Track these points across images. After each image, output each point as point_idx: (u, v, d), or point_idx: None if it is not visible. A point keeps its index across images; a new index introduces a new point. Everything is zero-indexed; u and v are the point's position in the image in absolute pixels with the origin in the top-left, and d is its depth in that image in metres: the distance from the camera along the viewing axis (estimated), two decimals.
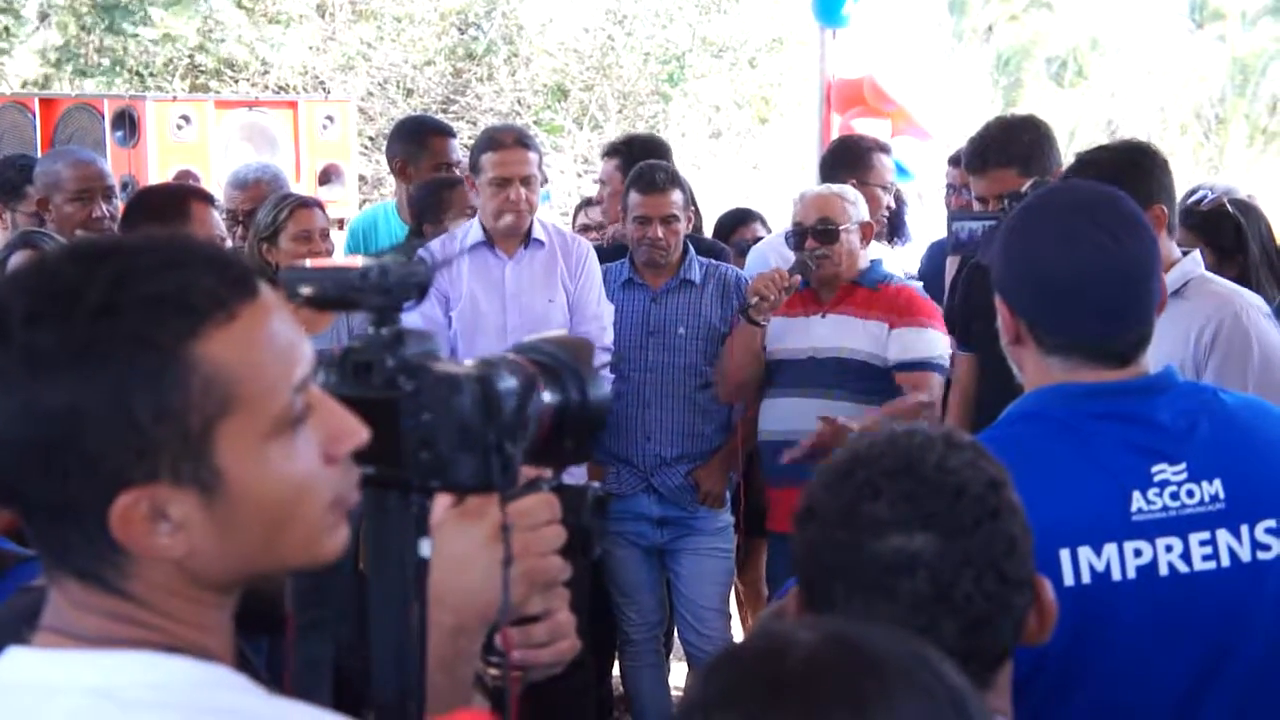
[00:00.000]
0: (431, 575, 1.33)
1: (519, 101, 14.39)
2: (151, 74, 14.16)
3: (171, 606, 1.19)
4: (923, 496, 1.51)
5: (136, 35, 13.94)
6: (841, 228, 4.41)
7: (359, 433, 1.22)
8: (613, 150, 5.55)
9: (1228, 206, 4.08)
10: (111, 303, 1.12)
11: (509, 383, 1.28)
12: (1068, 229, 2.08)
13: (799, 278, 4.34)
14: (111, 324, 1.12)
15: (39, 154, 6.35)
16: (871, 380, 4.37)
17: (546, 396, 1.35)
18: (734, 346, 4.48)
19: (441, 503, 1.36)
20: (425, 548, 1.29)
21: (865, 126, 6.57)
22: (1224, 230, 4.04)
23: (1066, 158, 5.16)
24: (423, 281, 1.27)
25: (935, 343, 4.37)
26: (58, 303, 1.12)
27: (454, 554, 1.35)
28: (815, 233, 4.40)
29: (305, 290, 1.24)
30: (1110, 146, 3.39)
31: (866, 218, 4.53)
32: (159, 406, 1.12)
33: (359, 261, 1.26)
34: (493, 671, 1.44)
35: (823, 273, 4.42)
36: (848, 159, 5.18)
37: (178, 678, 1.16)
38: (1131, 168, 3.17)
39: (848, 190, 4.59)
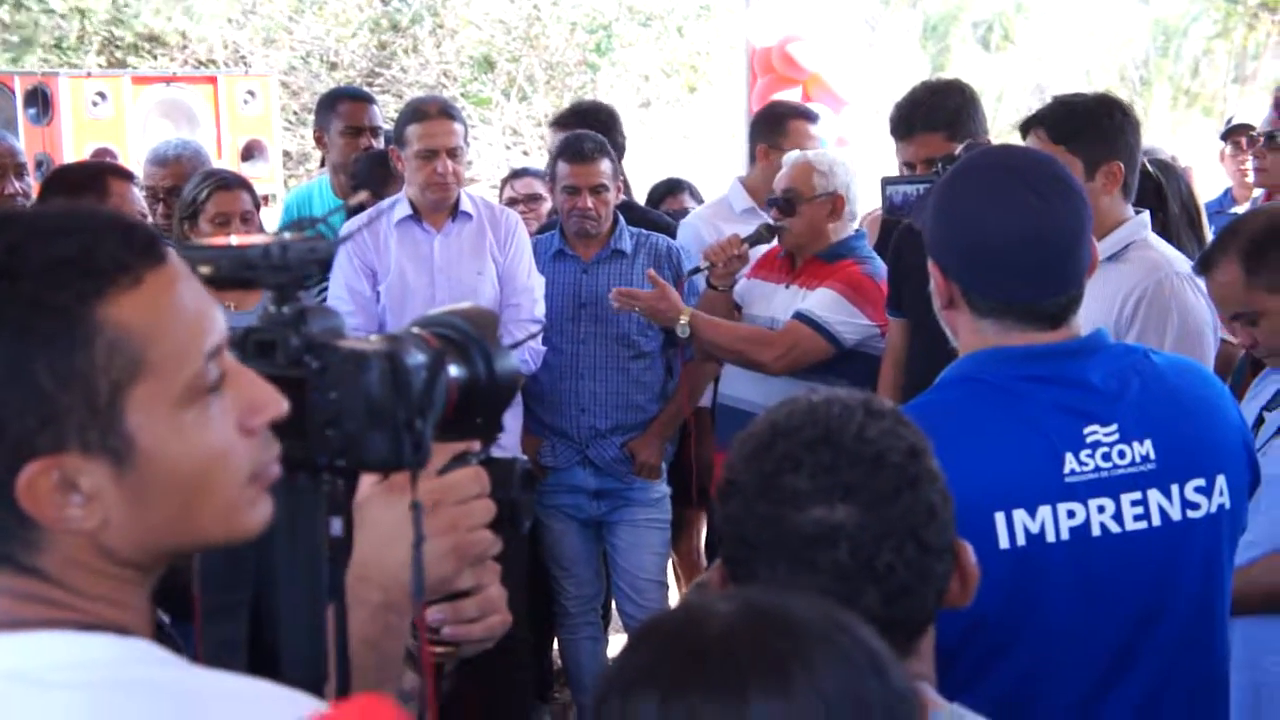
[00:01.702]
0: (357, 551, 1.33)
1: (445, 74, 14.31)
2: (66, 49, 13.94)
3: (86, 584, 1.16)
4: (842, 467, 1.51)
5: (47, 10, 13.72)
6: (804, 199, 4.33)
7: (277, 403, 1.21)
8: (560, 121, 5.49)
9: (1148, 166, 4.11)
10: (8, 268, 1.10)
11: (417, 358, 1.27)
12: (999, 192, 2.09)
13: (746, 247, 4.36)
14: (8, 289, 1.09)
15: None
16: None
17: (453, 371, 1.33)
18: (700, 309, 4.47)
19: (367, 479, 1.35)
20: (337, 526, 1.28)
21: (778, 94, 6.59)
22: (1145, 190, 4.06)
23: (993, 121, 5.20)
24: (324, 258, 1.26)
25: (829, 304, 4.24)
26: None
27: (381, 529, 1.34)
28: (777, 202, 4.38)
29: (203, 269, 1.21)
30: (1088, 95, 3.39)
31: (839, 189, 4.37)
32: (62, 371, 1.10)
33: (258, 239, 1.25)
34: (438, 649, 1.44)
35: (783, 243, 4.41)
36: (765, 124, 5.19)
37: (97, 655, 1.13)
38: (1104, 118, 3.21)
39: (824, 158, 4.46)
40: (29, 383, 1.09)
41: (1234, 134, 5.59)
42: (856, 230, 4.53)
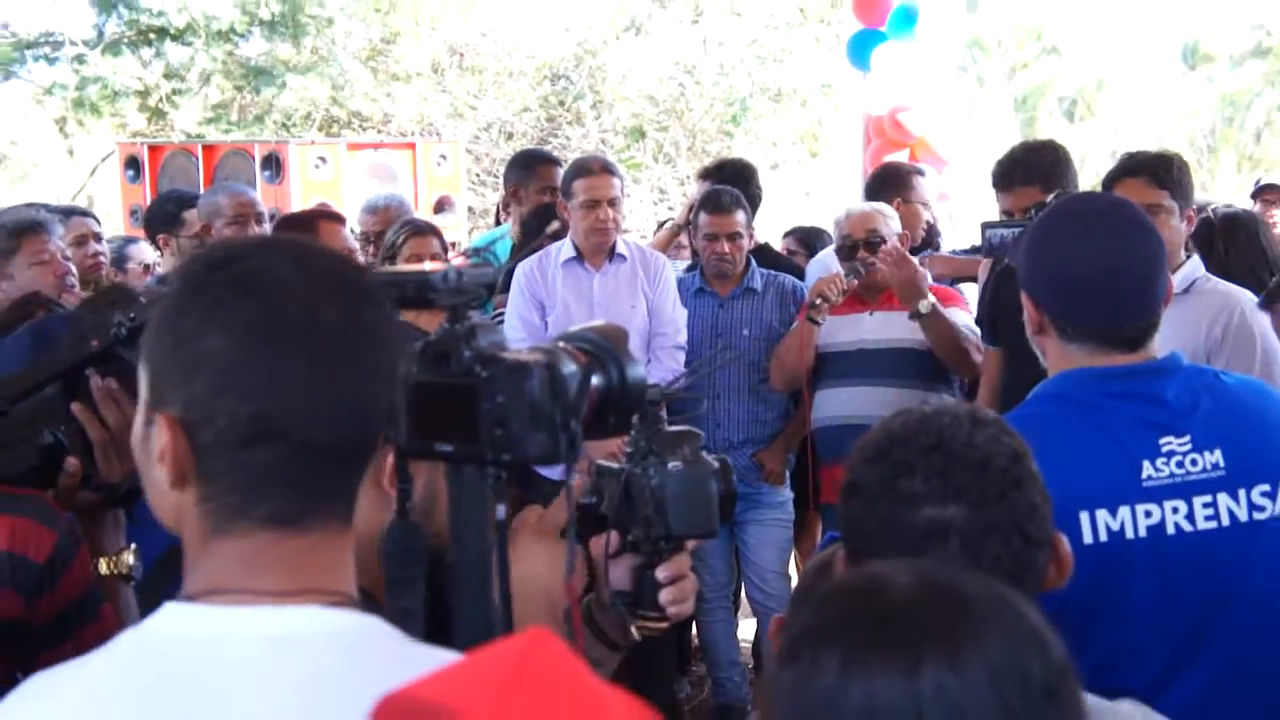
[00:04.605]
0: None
1: (603, 141, 14.43)
2: (293, 125, 14.37)
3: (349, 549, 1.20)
4: (953, 471, 1.46)
5: (278, 93, 14.18)
6: (886, 238, 4.42)
7: None
8: (705, 173, 5.49)
9: (1211, 217, 4.03)
10: (372, 291, 1.19)
11: (570, 367, 1.26)
12: (1085, 231, 2.06)
13: (855, 280, 4.35)
14: (382, 307, 1.19)
15: (201, 191, 6.44)
16: (916, 364, 4.36)
17: (594, 380, 1.32)
18: (793, 345, 4.46)
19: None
20: (501, 512, 1.27)
21: (889, 156, 6.56)
22: (1205, 236, 3.98)
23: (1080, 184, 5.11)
24: (491, 282, 1.26)
25: (965, 319, 4.34)
26: (349, 288, 1.16)
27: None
28: (866, 245, 4.40)
29: (392, 291, 1.24)
30: (1168, 152, 3.34)
31: (900, 229, 4.54)
32: (404, 369, 1.20)
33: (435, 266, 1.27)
34: (661, 625, 1.48)
35: (872, 279, 4.40)
36: (891, 181, 5.16)
37: (345, 625, 1.14)
38: (1187, 173, 3.17)
39: (885, 206, 4.62)
40: (399, 384, 1.18)
41: (1263, 193, 5.50)
42: None
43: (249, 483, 1.12)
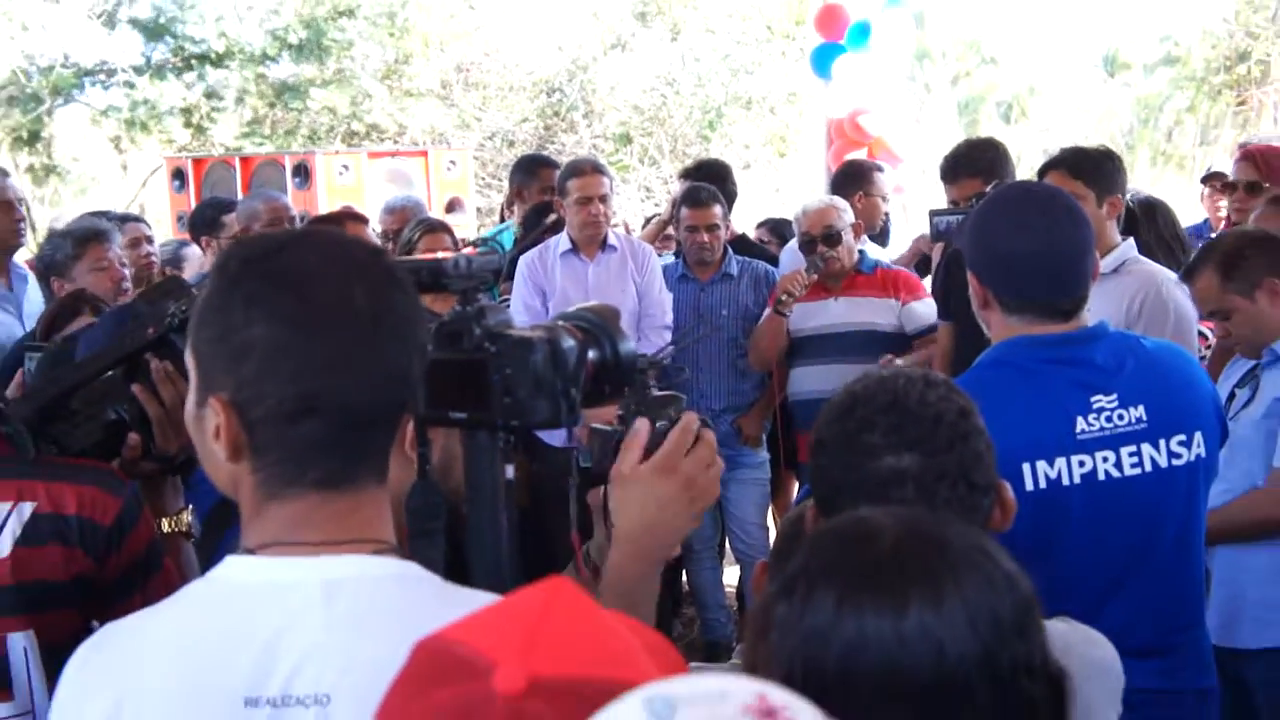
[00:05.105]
0: (642, 517, 1.36)
1: (594, 147, 14.37)
2: (318, 138, 14.31)
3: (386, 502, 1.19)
4: (908, 425, 1.47)
5: (304, 109, 14.12)
6: (842, 231, 4.40)
7: None
8: (686, 173, 5.46)
9: (1130, 204, 4.02)
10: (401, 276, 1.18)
11: (569, 343, 1.26)
12: (1021, 216, 2.06)
13: (815, 275, 4.35)
14: (411, 294, 1.17)
15: (239, 198, 6.41)
16: (878, 344, 4.37)
17: (590, 354, 1.32)
18: (765, 332, 4.48)
19: (629, 459, 1.36)
20: (509, 472, 1.27)
21: (850, 155, 6.54)
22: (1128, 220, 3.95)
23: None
24: (497, 268, 1.27)
25: (933, 308, 4.34)
26: (372, 272, 1.14)
27: (661, 500, 1.38)
28: (824, 239, 4.39)
29: (409, 278, 1.22)
30: (1094, 146, 3.32)
31: (853, 219, 4.54)
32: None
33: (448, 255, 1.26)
34: None
35: (832, 269, 4.40)
36: (855, 176, 5.14)
37: (390, 572, 1.13)
38: (1108, 162, 3.15)
39: (838, 200, 4.62)
40: (421, 355, 1.16)
41: (1210, 179, 5.54)
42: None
43: (297, 453, 1.12)
